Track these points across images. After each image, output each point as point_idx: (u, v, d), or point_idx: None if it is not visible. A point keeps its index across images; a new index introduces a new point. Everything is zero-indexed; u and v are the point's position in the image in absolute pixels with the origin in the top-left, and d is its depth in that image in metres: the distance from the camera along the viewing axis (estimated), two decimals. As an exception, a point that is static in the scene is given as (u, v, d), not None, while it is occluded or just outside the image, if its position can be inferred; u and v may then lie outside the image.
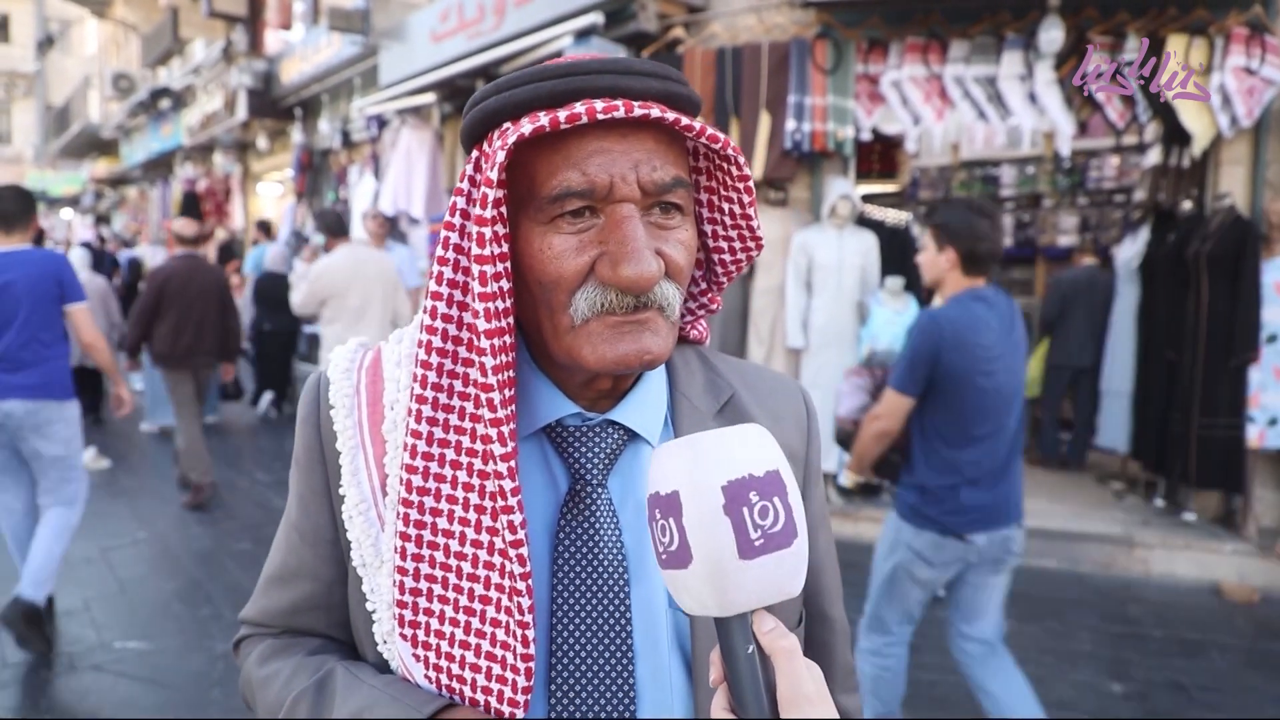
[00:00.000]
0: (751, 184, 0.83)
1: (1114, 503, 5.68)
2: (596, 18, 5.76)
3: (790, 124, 5.35)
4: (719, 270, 0.90)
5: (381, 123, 8.50)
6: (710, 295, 0.93)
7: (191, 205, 14.94)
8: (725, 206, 0.85)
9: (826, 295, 5.41)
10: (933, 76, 5.18)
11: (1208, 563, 4.85)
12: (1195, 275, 4.93)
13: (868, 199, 6.97)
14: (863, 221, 5.70)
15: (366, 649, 0.83)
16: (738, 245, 0.87)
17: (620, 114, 0.69)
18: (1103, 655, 3.92)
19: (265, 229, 9.80)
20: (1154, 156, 5.73)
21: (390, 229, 7.21)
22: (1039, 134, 5.48)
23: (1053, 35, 4.74)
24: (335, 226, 5.81)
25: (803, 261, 5.43)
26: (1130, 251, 5.74)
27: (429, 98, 7.69)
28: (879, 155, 8.22)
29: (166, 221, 15.69)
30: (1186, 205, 5.30)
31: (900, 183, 8.66)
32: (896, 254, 5.72)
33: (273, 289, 8.46)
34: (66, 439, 3.76)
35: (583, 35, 5.82)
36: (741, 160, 0.80)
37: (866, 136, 5.55)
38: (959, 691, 3.55)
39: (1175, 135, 5.26)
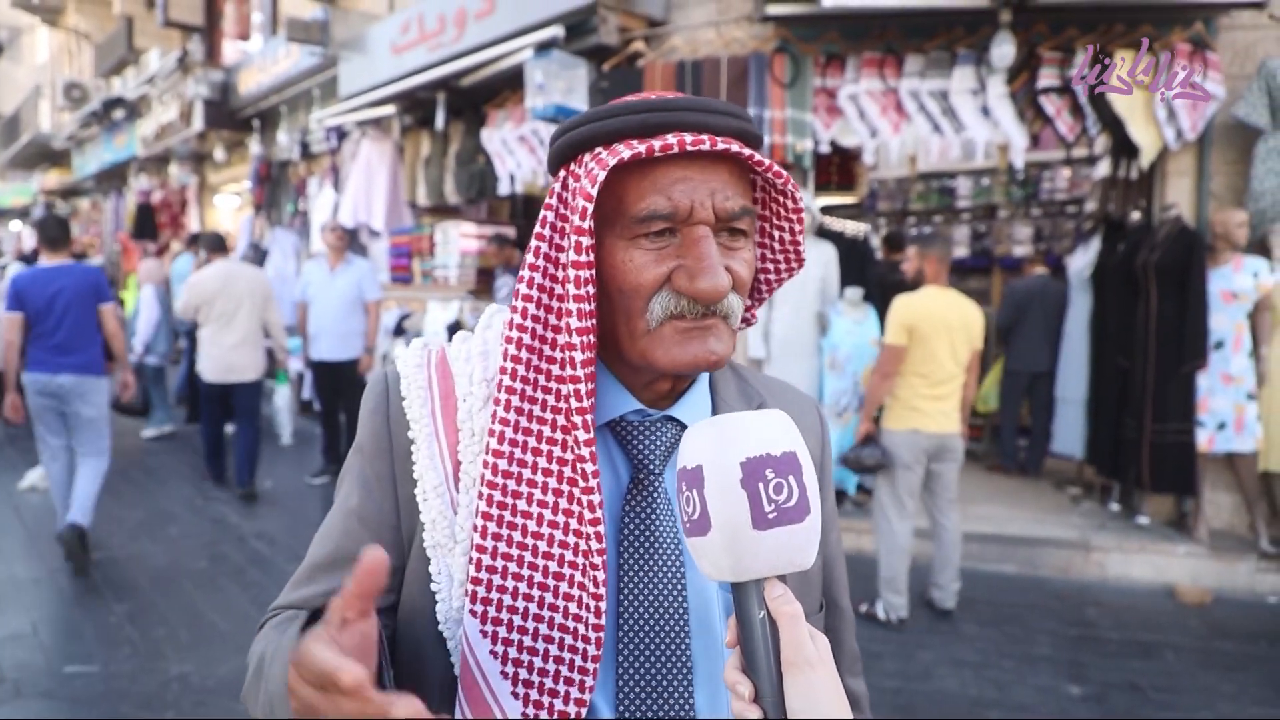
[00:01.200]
0: (804, 215, 0.93)
1: (1071, 508, 5.77)
2: (557, 31, 5.77)
3: (750, 136, 5.39)
4: (763, 287, 1.01)
5: (341, 134, 8.44)
6: (751, 309, 1.01)
7: (146, 217, 14.71)
8: (776, 234, 0.96)
9: (787, 306, 5.45)
10: (889, 90, 5.26)
11: (1162, 565, 4.94)
12: (1145, 284, 5.04)
13: (827, 211, 7.06)
14: (822, 233, 5.76)
15: (422, 636, 0.88)
16: (783, 266, 0.98)
17: (706, 147, 0.79)
18: (1061, 658, 3.98)
19: (194, 241, 9.52)
20: (1104, 169, 5.86)
21: (350, 241, 7.14)
22: (993, 146, 5.58)
23: (1004, 50, 4.84)
24: (214, 245, 6.64)
25: (764, 272, 5.46)
26: (1082, 261, 5.86)
27: (389, 109, 7.64)
28: (837, 168, 8.34)
29: (120, 234, 15.42)
30: (1135, 216, 5.43)
31: (858, 195, 8.79)
32: (855, 265, 5.78)
33: None
34: (99, 405, 4.98)
35: (543, 48, 5.82)
36: (798, 195, 0.90)
37: (825, 149, 5.61)
38: (920, 698, 3.59)
39: (1124, 148, 5.39)
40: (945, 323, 4.16)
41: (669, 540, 0.87)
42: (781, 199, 0.92)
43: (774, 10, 5.31)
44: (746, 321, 1.01)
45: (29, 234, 21.36)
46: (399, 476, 0.89)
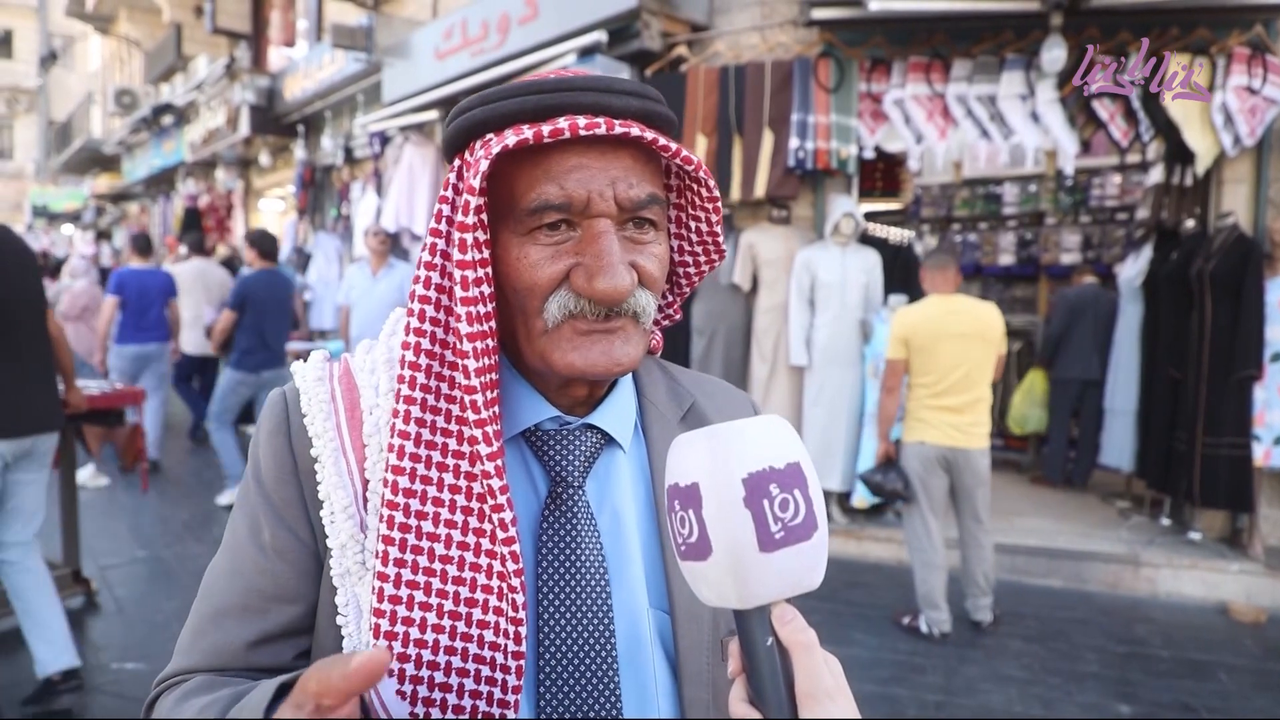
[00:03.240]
0: (720, 204, 0.87)
1: (1119, 522, 5.65)
2: (600, 36, 5.77)
3: (793, 142, 5.36)
4: (683, 282, 0.94)
5: (384, 139, 8.52)
6: (674, 305, 0.96)
7: (193, 221, 15.02)
8: (693, 224, 0.89)
9: (830, 313, 5.40)
10: (935, 95, 5.19)
11: (1214, 582, 4.82)
12: (1199, 293, 4.92)
13: (871, 217, 6.98)
14: (866, 239, 5.71)
15: None
16: (702, 258, 0.92)
17: (601, 131, 0.72)
18: (1109, 676, 3.89)
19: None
20: (1157, 175, 5.74)
21: (392, 246, 7.21)
22: (1041, 152, 5.49)
23: (1055, 54, 4.75)
24: (196, 245, 8.57)
25: (806, 279, 5.42)
26: (1133, 270, 5.74)
27: (432, 115, 7.71)
28: (882, 173, 8.24)
29: (168, 238, 15.74)
30: (1189, 224, 5.30)
31: (903, 201, 8.68)
32: (899, 272, 5.72)
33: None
34: (168, 361, 7.39)
35: (586, 53, 5.83)
36: (711, 183, 0.84)
37: (870, 155, 5.56)
38: (964, 713, 3.53)
39: (1178, 154, 5.27)
40: (945, 331, 4.13)
41: (592, 559, 0.80)
42: (696, 186, 0.85)
43: (819, 14, 5.26)
44: (670, 319, 0.96)
45: (80, 237, 21.96)
46: (309, 500, 0.81)
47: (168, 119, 15.42)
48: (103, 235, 19.46)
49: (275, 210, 13.93)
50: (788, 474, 0.62)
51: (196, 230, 13.84)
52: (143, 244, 7.30)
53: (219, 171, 13.99)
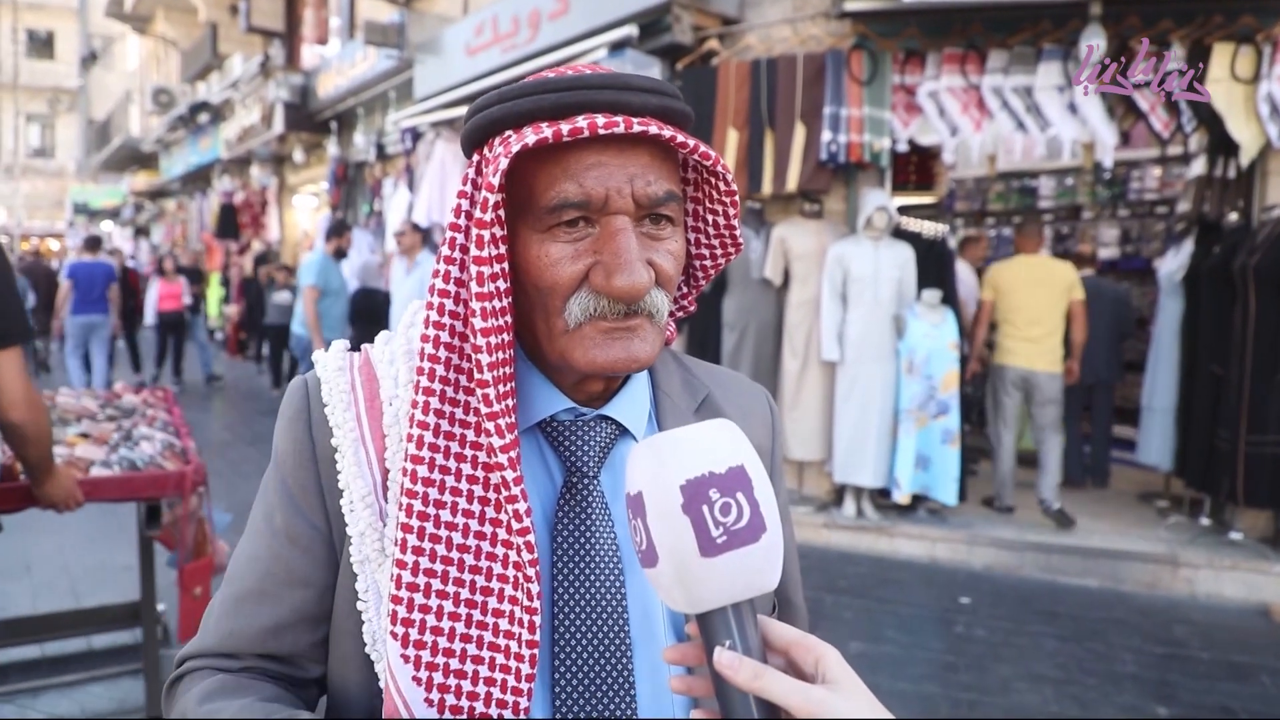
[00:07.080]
0: (737, 198, 0.87)
1: (1158, 521, 5.55)
2: (631, 30, 5.77)
3: (826, 135, 5.32)
4: (699, 275, 0.94)
5: (416, 135, 8.58)
6: (689, 297, 0.96)
7: (229, 218, 15.22)
8: (710, 218, 0.89)
9: (862, 308, 5.35)
10: (970, 87, 5.12)
11: (1256, 583, 4.71)
12: (1242, 288, 4.81)
13: (904, 210, 6.90)
14: (899, 233, 5.65)
15: (349, 660, 0.81)
16: (719, 251, 0.92)
17: (620, 130, 0.72)
18: (1147, 677, 3.82)
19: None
20: (1199, 167, 5.62)
21: (423, 241, 7.27)
22: (1078, 145, 5.42)
23: (1094, 44, 4.67)
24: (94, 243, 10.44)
25: (838, 274, 5.38)
26: (1174, 264, 5.63)
27: (463, 110, 7.73)
28: (916, 167, 8.16)
29: (204, 234, 15.95)
30: (1233, 217, 5.19)
31: (937, 194, 8.58)
32: (933, 266, 5.65)
33: (368, 304, 7.95)
34: (109, 328, 9.65)
35: (617, 48, 5.83)
36: (729, 177, 0.84)
37: (903, 148, 5.50)
38: (997, 713, 3.48)
39: (1221, 145, 5.16)
40: (1026, 279, 5.37)
41: (606, 546, 0.81)
42: (714, 180, 0.86)
43: (852, 6, 5.21)
44: (685, 310, 0.96)
45: (119, 233, 22.36)
46: (326, 487, 0.82)
47: (204, 117, 15.65)
48: (141, 231, 19.77)
49: (309, 206, 14.09)
50: (729, 478, 0.62)
51: (232, 224, 14.10)
52: (92, 243, 9.78)
53: (254, 168, 14.18)
